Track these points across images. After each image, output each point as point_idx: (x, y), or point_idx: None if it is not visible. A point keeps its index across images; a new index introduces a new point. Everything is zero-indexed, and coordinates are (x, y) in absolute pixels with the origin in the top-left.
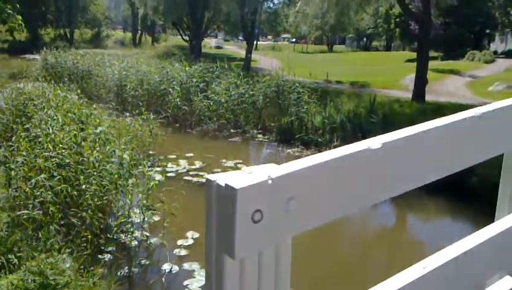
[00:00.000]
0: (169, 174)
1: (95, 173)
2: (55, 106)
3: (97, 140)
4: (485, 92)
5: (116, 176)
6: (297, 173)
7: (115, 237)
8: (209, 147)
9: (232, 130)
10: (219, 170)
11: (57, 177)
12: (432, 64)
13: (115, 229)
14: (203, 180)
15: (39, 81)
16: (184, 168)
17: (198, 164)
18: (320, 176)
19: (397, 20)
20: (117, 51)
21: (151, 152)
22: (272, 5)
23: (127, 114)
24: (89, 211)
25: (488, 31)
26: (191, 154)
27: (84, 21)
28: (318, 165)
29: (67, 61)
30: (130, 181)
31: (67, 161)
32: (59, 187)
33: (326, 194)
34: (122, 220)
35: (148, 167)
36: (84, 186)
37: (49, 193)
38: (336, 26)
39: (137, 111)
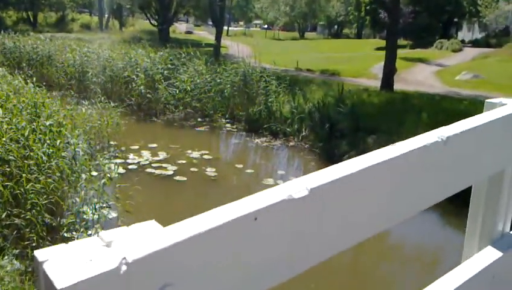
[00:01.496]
0: (130, 167)
1: (43, 169)
2: (6, 95)
3: (47, 132)
4: (452, 81)
5: (69, 171)
6: (175, 248)
7: (67, 236)
8: (174, 136)
9: (199, 119)
10: (184, 161)
11: None
12: (400, 52)
13: (65, 228)
14: (167, 172)
15: None
16: (147, 159)
17: (162, 155)
18: (213, 246)
19: (367, 8)
20: (83, 35)
21: (112, 143)
22: None
23: (86, 102)
24: (34, 211)
25: (456, 19)
26: (155, 145)
27: (48, 4)
28: (209, 233)
29: (26, 46)
30: (84, 176)
31: (12, 155)
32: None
33: (224, 272)
34: (72, 220)
35: (107, 158)
36: (27, 184)
37: None
38: (307, 13)
39: (98, 99)
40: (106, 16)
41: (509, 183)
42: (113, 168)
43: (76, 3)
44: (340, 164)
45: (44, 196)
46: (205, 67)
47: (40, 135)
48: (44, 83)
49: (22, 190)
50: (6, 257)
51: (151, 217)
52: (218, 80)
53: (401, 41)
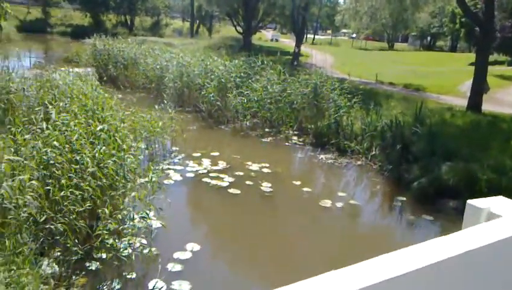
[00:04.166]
0: (188, 175)
1: (86, 175)
2: (70, 96)
3: (99, 137)
4: None
5: (115, 177)
6: None
7: (108, 244)
8: (238, 146)
9: (266, 130)
10: (242, 173)
11: (34, 178)
12: (497, 69)
13: (104, 236)
14: (223, 183)
15: (85, 66)
16: (205, 168)
17: (221, 164)
18: None
19: (462, 20)
20: (173, 40)
21: (174, 148)
22: None
23: (157, 106)
24: (71, 217)
25: None
26: (217, 153)
27: (144, 9)
28: None
29: (114, 49)
30: (129, 185)
31: (60, 160)
32: (39, 189)
33: None
34: (108, 227)
35: (165, 165)
36: (63, 192)
37: (30, 194)
38: (397, 23)
39: (169, 104)
40: (197, 22)
41: None
42: (174, 175)
43: (170, 9)
44: None
45: (87, 202)
46: (278, 76)
47: (94, 140)
48: (127, 85)
49: (63, 194)
50: (46, 260)
51: (197, 230)
52: (289, 91)
53: (499, 57)
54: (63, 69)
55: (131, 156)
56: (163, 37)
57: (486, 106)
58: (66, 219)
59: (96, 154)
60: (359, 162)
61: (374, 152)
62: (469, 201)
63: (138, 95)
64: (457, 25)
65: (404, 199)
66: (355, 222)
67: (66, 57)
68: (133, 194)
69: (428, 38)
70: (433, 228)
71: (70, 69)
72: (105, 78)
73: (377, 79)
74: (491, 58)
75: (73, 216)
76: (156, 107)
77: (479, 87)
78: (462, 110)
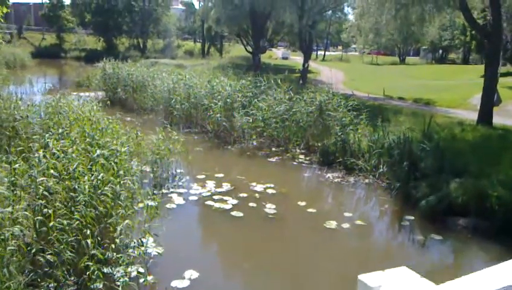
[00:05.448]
0: (190, 198)
1: (82, 205)
2: (70, 123)
3: (96, 164)
4: None
5: (112, 203)
6: None
7: (102, 274)
8: (244, 166)
9: (273, 149)
10: (246, 194)
11: (28, 208)
12: (509, 81)
13: (95, 267)
14: (226, 206)
15: (95, 90)
16: (209, 190)
17: (226, 186)
18: None
19: (473, 32)
20: (184, 61)
21: (178, 171)
22: (342, 15)
23: (163, 128)
24: (61, 247)
25: None
26: (221, 175)
27: (156, 32)
28: None
29: (123, 72)
30: (121, 212)
31: (54, 189)
32: (31, 219)
33: None
34: (103, 256)
35: (170, 187)
36: (54, 222)
37: (23, 225)
38: (406, 37)
39: (175, 126)
40: (208, 43)
41: None
42: (173, 198)
43: (181, 30)
44: None
45: (82, 231)
46: (284, 95)
47: (90, 166)
48: (136, 107)
49: (54, 224)
50: None
51: (196, 255)
52: (295, 109)
53: (511, 68)
54: (74, 93)
55: (129, 182)
56: (175, 58)
57: (498, 119)
58: (56, 249)
59: (94, 181)
60: (367, 180)
61: (381, 169)
62: (360, 277)
63: (146, 117)
64: (468, 37)
65: (413, 218)
66: (363, 243)
67: (77, 81)
68: (125, 222)
69: (440, 51)
70: (443, 248)
71: (81, 94)
72: (113, 102)
73: (385, 94)
74: (503, 69)
75: (63, 246)
76: (163, 129)
77: (489, 100)
78: (472, 124)
